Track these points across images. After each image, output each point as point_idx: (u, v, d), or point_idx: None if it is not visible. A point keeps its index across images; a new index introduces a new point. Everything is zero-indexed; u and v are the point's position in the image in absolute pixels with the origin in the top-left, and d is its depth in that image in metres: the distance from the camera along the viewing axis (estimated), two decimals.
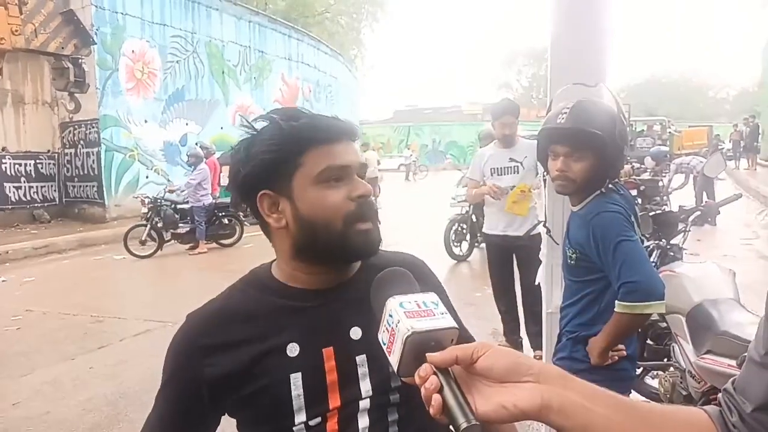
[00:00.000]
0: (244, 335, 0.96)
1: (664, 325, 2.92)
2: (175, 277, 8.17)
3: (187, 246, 9.53)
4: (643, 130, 23.34)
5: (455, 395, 0.60)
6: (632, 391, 2.44)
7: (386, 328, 0.67)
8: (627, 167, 8.65)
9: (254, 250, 9.83)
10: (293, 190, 0.95)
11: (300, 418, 0.93)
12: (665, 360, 2.96)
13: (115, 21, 12.86)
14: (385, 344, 0.67)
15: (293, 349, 0.95)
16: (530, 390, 0.59)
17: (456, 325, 0.65)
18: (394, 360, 0.65)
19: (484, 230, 4.35)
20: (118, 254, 9.12)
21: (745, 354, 2.08)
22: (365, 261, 1.03)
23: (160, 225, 9.18)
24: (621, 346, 1.84)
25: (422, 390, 0.60)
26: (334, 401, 0.94)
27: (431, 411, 0.59)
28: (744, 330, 2.24)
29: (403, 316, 0.65)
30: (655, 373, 3.12)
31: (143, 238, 8.99)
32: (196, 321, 1.00)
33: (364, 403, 0.95)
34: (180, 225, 9.39)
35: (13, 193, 12.43)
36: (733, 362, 2.14)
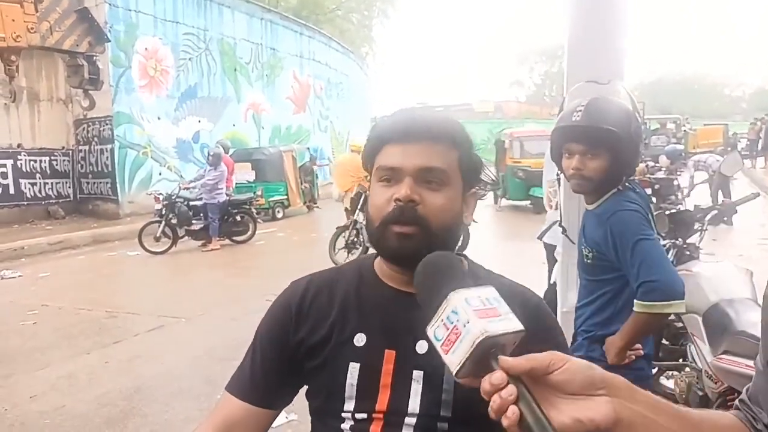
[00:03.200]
0: (327, 312, 1.02)
1: (679, 324, 2.89)
2: (188, 274, 8.22)
3: (200, 242, 9.59)
4: (657, 129, 23.12)
5: (532, 409, 0.56)
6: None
7: (444, 324, 0.63)
8: (642, 165, 8.58)
9: (266, 247, 9.88)
10: (372, 180, 1.00)
11: (349, 406, 0.96)
12: (680, 360, 2.93)
13: (128, 19, 12.95)
14: (439, 340, 0.63)
15: (360, 340, 0.98)
16: (605, 404, 0.58)
17: (523, 328, 0.62)
18: (453, 360, 0.61)
19: (545, 240, 3.77)
20: (131, 250, 9.20)
21: None
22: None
23: (174, 222, 9.24)
24: (638, 346, 1.82)
25: (496, 398, 0.57)
26: (382, 404, 0.94)
27: (505, 422, 0.57)
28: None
29: (473, 316, 0.61)
30: (670, 373, 3.09)
31: (158, 235, 9.05)
32: (297, 286, 1.08)
33: (410, 420, 0.93)
34: (193, 222, 9.46)
35: (28, 189, 12.57)
36: (751, 362, 2.11)
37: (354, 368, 0.96)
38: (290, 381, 1.05)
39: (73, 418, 3.47)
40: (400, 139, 0.95)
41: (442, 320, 0.63)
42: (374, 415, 0.94)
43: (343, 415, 0.96)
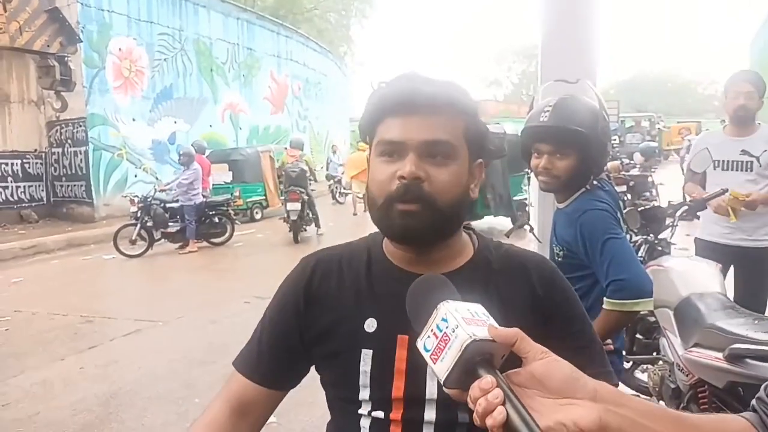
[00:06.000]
0: (336, 297, 0.98)
1: (653, 319, 2.94)
2: (165, 277, 8.13)
3: (177, 245, 9.49)
4: (632, 126, 23.48)
5: (518, 411, 0.57)
6: (621, 384, 2.46)
7: (434, 333, 0.63)
8: (616, 163, 8.71)
9: (245, 248, 9.81)
10: (372, 155, 0.95)
11: (364, 394, 0.94)
12: (654, 354, 2.99)
13: (101, 18, 12.75)
14: (429, 351, 0.63)
15: (371, 325, 0.95)
16: (588, 409, 0.58)
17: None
18: (442, 368, 0.61)
19: (698, 236, 3.33)
20: (107, 254, 9.06)
21: (732, 346, 2.08)
22: (477, 255, 0.98)
23: (150, 224, 9.13)
24: (608, 341, 1.85)
25: (482, 401, 0.58)
26: (398, 390, 0.92)
27: (489, 422, 0.57)
28: (730, 323, 2.27)
29: (462, 321, 0.61)
30: (644, 366, 3.15)
31: (133, 238, 8.93)
32: (305, 265, 1.04)
33: (429, 415, 0.91)
34: (170, 224, 9.35)
35: (0, 193, 12.30)
36: (720, 355, 2.16)
37: (367, 355, 0.93)
38: (299, 364, 1.03)
39: (48, 425, 3.41)
40: (401, 111, 0.90)
41: (432, 329, 0.64)
42: (392, 403, 0.93)
43: (361, 399, 0.95)
